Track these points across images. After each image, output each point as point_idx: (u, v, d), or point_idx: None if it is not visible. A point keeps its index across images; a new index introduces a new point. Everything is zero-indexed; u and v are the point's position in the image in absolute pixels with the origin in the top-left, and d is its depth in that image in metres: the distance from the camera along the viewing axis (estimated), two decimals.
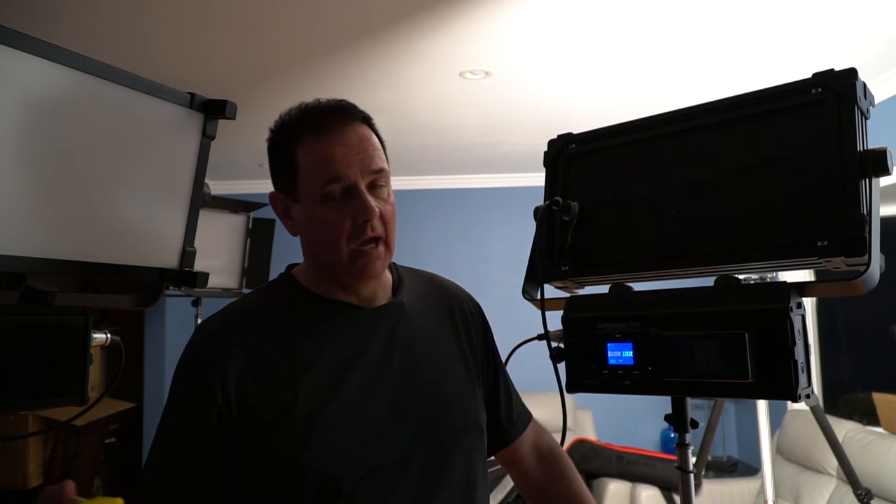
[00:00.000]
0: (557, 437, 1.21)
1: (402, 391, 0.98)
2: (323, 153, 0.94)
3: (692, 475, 1.01)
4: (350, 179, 0.94)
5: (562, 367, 1.00)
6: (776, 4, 2.25)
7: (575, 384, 0.97)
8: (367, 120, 1.01)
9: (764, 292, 0.84)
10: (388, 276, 1.08)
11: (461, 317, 1.12)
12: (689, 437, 1.00)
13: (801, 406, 3.18)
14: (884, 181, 2.54)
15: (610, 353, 0.93)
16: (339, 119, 0.96)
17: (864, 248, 0.76)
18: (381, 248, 0.97)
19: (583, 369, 0.96)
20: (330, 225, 0.94)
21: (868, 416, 3.39)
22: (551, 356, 1.00)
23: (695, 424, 1.00)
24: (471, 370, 1.08)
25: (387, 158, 1.01)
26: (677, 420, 0.99)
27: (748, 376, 0.82)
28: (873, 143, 0.80)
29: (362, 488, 0.90)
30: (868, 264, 0.76)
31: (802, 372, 0.82)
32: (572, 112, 3.33)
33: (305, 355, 0.95)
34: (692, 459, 1.01)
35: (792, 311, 0.81)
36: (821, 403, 2.25)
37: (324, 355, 0.95)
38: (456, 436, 1.00)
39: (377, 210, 0.94)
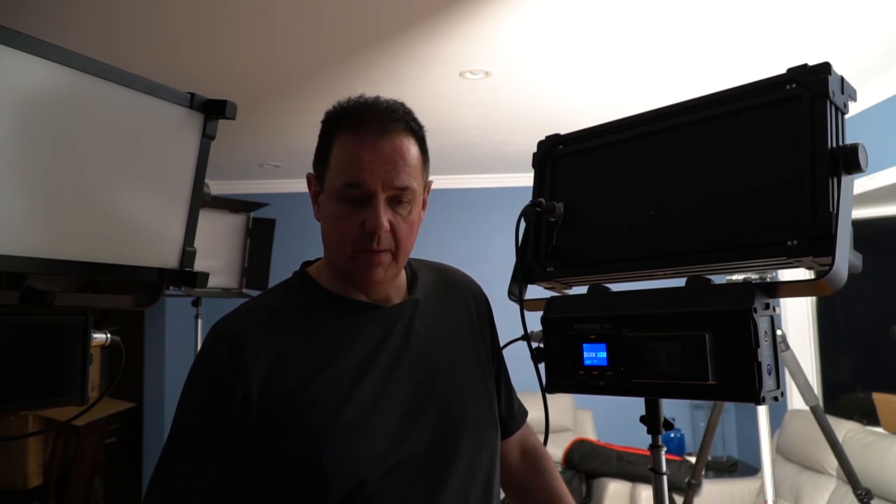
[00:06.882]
0: (556, 437, 1.21)
1: (419, 388, 0.98)
2: (352, 155, 0.93)
3: (665, 477, 1.00)
4: (369, 188, 0.92)
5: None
6: (780, 5, 2.25)
7: (554, 385, 0.97)
8: (414, 131, 0.99)
9: (730, 293, 0.82)
10: (402, 273, 1.08)
11: (473, 308, 1.13)
12: (661, 439, 0.99)
13: (802, 406, 3.18)
14: (883, 181, 2.53)
15: (585, 354, 0.93)
16: (381, 124, 0.94)
17: (831, 248, 0.74)
18: (387, 256, 0.95)
19: (561, 370, 0.96)
20: (340, 223, 0.94)
21: (868, 416, 3.38)
22: (532, 356, 1.00)
23: (668, 426, 0.99)
24: (482, 361, 1.09)
25: (426, 175, 1.01)
26: (650, 421, 0.98)
27: (708, 378, 0.80)
28: (875, 142, 0.79)
29: (382, 485, 0.90)
30: (831, 265, 0.74)
31: (769, 374, 0.80)
32: (572, 112, 3.33)
33: (323, 355, 0.95)
34: (665, 461, 1.00)
35: (756, 312, 0.79)
36: (821, 403, 2.24)
37: (341, 355, 0.95)
38: (472, 429, 1.00)
39: (386, 225, 0.93)
